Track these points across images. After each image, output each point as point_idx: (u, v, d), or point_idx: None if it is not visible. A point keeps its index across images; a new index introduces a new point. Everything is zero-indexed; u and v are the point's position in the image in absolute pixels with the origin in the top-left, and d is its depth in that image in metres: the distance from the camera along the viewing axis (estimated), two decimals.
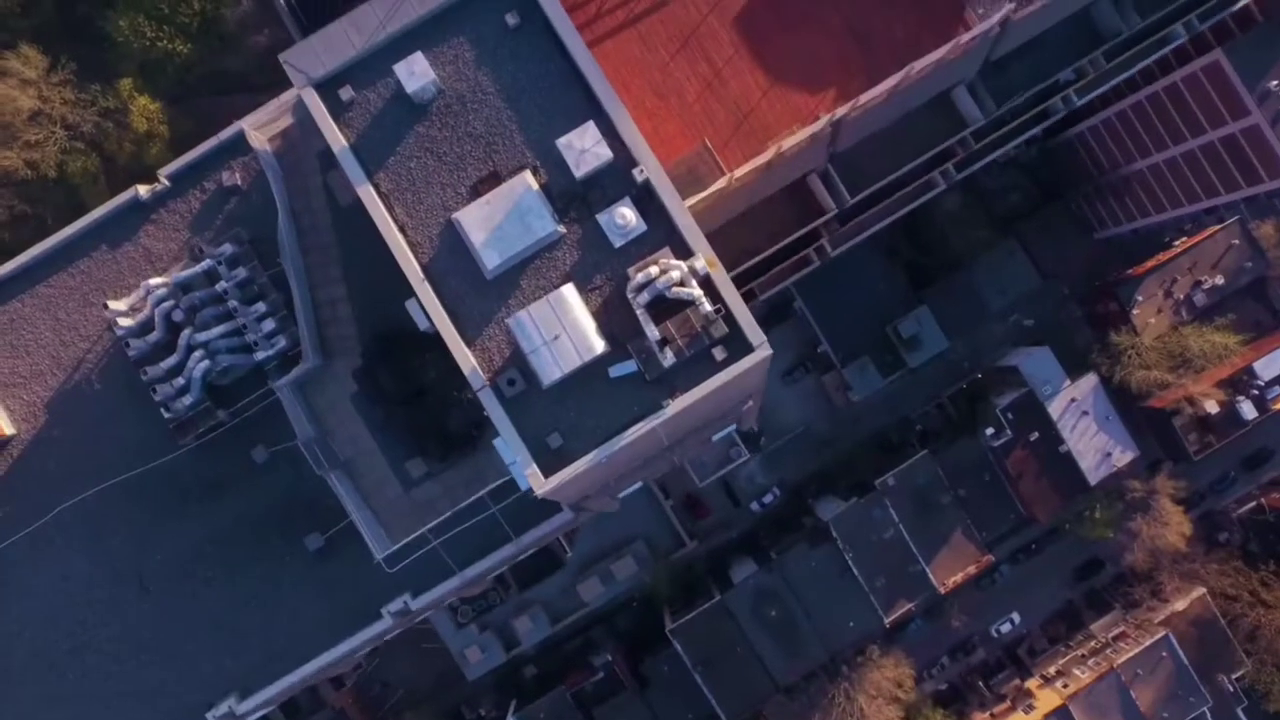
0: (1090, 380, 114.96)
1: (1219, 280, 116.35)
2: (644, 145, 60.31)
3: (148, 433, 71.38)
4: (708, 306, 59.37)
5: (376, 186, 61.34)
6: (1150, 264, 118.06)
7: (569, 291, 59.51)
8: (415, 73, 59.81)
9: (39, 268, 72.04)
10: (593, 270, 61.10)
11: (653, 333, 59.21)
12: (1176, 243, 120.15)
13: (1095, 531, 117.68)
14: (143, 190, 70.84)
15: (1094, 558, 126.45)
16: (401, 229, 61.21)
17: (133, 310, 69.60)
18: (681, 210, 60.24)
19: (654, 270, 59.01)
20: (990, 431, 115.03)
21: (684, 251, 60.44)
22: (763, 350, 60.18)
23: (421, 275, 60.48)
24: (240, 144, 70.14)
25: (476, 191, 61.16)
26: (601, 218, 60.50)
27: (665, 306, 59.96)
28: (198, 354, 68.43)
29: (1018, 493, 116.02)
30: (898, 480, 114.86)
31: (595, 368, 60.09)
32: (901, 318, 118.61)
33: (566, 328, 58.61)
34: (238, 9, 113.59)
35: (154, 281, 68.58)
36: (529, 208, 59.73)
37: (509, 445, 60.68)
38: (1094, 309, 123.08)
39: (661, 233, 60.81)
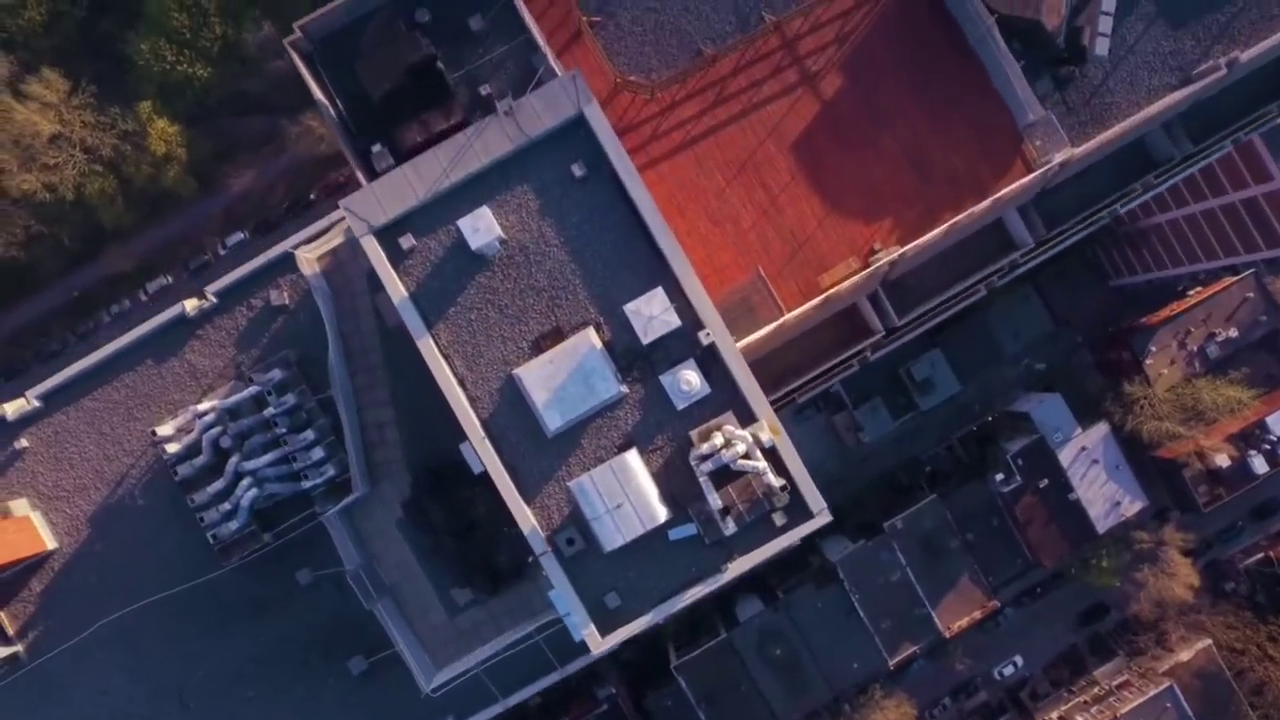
0: (1101, 429, 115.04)
1: (1233, 333, 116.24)
2: (711, 309, 59.58)
3: (190, 549, 70.84)
4: (773, 480, 59.22)
5: (436, 339, 60.25)
6: (1164, 314, 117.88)
7: (633, 458, 59.00)
8: (480, 229, 58.50)
9: (84, 380, 70.98)
10: (654, 431, 60.62)
11: (715, 501, 59.08)
12: (1191, 293, 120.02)
13: (1101, 579, 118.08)
14: (189, 306, 69.53)
15: (1099, 603, 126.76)
16: (461, 383, 60.32)
17: (180, 432, 68.62)
18: (746, 375, 59.75)
19: (719, 440, 58.59)
20: (1000, 477, 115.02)
21: (747, 416, 60.09)
22: (823, 517, 60.28)
23: (482, 432, 59.70)
24: (288, 262, 68.76)
25: (538, 346, 60.24)
26: (665, 379, 59.92)
27: (727, 472, 59.80)
28: (246, 481, 67.74)
29: (1025, 539, 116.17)
30: (906, 523, 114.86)
31: (655, 531, 59.77)
32: (915, 360, 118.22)
33: (629, 495, 58.18)
34: (259, 34, 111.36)
35: (202, 407, 67.65)
36: (593, 369, 58.99)
37: (565, 601, 60.52)
38: (1106, 356, 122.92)
39: (725, 396, 60.43)
